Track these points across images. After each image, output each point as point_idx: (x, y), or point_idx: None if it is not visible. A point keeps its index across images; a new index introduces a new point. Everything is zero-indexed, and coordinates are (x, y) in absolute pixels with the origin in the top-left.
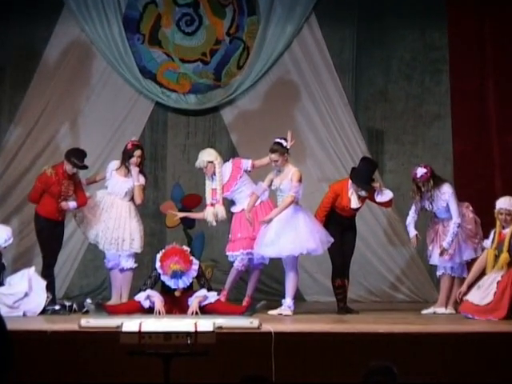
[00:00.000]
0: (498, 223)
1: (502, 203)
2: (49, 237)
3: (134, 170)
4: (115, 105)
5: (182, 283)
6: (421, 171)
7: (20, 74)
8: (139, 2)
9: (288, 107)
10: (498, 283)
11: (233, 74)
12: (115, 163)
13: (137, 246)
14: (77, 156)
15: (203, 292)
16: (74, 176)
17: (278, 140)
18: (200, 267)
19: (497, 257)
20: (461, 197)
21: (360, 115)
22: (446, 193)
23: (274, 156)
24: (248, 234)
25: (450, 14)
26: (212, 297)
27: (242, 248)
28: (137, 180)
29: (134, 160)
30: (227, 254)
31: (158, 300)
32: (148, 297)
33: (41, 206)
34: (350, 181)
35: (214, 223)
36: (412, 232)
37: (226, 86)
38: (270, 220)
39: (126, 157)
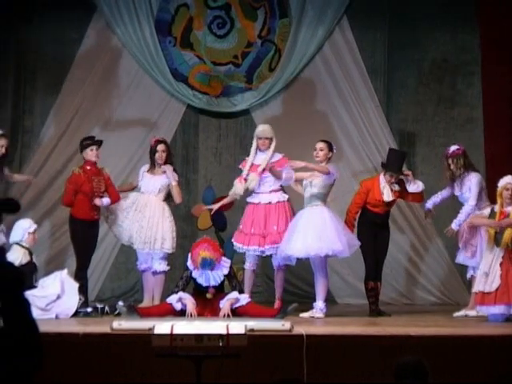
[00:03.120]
0: (499, 202)
1: (509, 178)
2: (84, 239)
3: (168, 168)
4: (147, 107)
5: (213, 280)
6: (453, 147)
7: (52, 77)
8: (171, 4)
9: (319, 109)
10: (500, 265)
11: (264, 77)
12: (146, 166)
13: (168, 247)
14: (86, 139)
15: (235, 294)
16: (102, 172)
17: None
18: (232, 268)
19: (497, 234)
20: (494, 200)
21: (391, 117)
22: (473, 178)
23: (321, 144)
24: (260, 230)
25: (481, 16)
26: (243, 299)
27: (256, 245)
28: (173, 179)
29: (158, 155)
30: (236, 243)
31: (189, 302)
32: (180, 299)
33: (75, 208)
34: (381, 175)
35: (239, 195)
36: (427, 206)
37: (257, 88)
38: (298, 166)
39: (152, 155)
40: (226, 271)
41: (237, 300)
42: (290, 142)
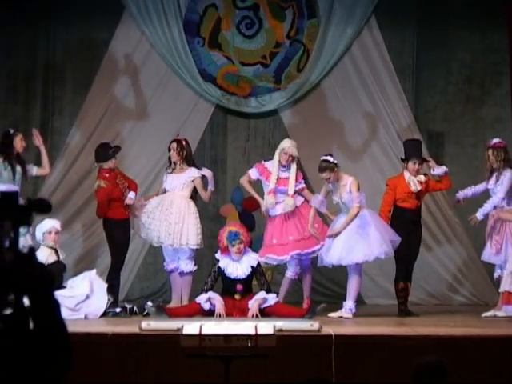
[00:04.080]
0: None
1: None
2: (120, 239)
3: (206, 172)
4: (175, 108)
5: (241, 270)
6: (496, 139)
7: (81, 77)
8: (199, 5)
9: (348, 109)
10: None
11: (293, 77)
12: (168, 169)
13: (193, 242)
14: (110, 147)
15: (262, 294)
16: (116, 170)
17: (323, 158)
18: (260, 266)
19: None
20: None
21: (420, 117)
22: (508, 173)
23: (324, 175)
24: (282, 240)
25: (509, 15)
26: (271, 299)
27: (297, 249)
28: (211, 184)
29: (171, 154)
30: (273, 256)
31: (218, 303)
32: (209, 299)
33: (110, 212)
34: (405, 170)
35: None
36: (457, 195)
37: (285, 88)
38: (338, 233)
39: (169, 154)
40: (253, 263)
41: (265, 300)
42: (316, 143)
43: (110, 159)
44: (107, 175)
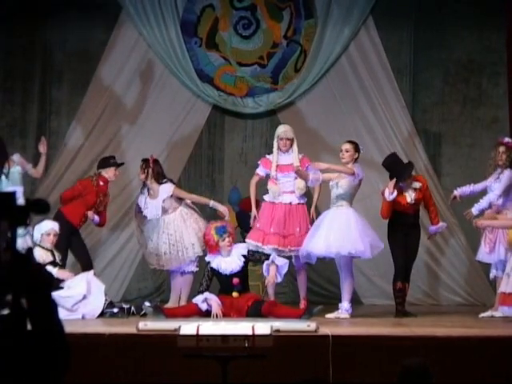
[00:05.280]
0: None
1: None
2: (65, 237)
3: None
4: (173, 108)
5: (234, 263)
6: (508, 139)
7: (78, 77)
8: (196, 5)
9: (345, 110)
10: None
11: (290, 77)
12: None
13: (198, 250)
14: (110, 158)
15: (271, 259)
16: (107, 195)
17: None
18: (250, 252)
19: None
20: None
21: (417, 118)
22: (507, 172)
23: (347, 145)
24: (280, 230)
25: (507, 16)
26: (281, 261)
27: (275, 244)
28: (167, 188)
29: (139, 173)
30: (252, 241)
31: (215, 303)
32: (205, 299)
33: (69, 207)
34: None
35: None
36: (455, 192)
37: (283, 89)
38: (321, 168)
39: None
40: (243, 252)
41: (273, 260)
42: (315, 143)
43: (109, 167)
44: (101, 183)
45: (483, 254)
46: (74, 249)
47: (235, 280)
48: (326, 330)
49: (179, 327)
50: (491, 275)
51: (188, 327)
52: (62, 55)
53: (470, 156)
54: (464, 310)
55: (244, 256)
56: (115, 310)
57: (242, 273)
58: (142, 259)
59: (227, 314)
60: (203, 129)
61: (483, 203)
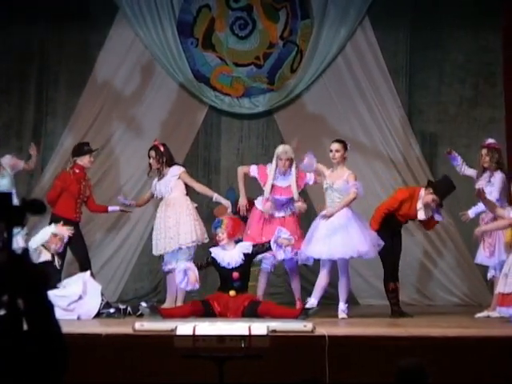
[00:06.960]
0: None
1: None
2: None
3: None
4: (169, 109)
5: (233, 258)
6: (492, 140)
7: (74, 79)
8: (193, 5)
9: (341, 110)
10: None
11: (286, 78)
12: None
13: (187, 241)
14: (86, 145)
15: (277, 232)
16: (87, 179)
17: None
18: (254, 249)
19: None
20: None
21: (413, 118)
22: (498, 175)
23: (337, 145)
24: (256, 237)
25: (504, 16)
26: (285, 233)
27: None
28: (178, 169)
29: (151, 162)
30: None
31: (192, 274)
32: (185, 271)
33: (58, 206)
34: (422, 191)
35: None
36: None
37: (279, 89)
38: (331, 215)
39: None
40: (246, 250)
41: (279, 234)
42: (311, 143)
43: (83, 155)
44: (77, 171)
45: (482, 258)
46: (73, 246)
47: (235, 274)
48: (322, 331)
49: (176, 327)
50: (489, 275)
51: (184, 327)
52: (58, 56)
53: (467, 156)
54: (460, 311)
55: (246, 254)
56: (112, 311)
57: (243, 269)
58: (139, 260)
59: (223, 313)
60: (199, 129)
61: (481, 206)
